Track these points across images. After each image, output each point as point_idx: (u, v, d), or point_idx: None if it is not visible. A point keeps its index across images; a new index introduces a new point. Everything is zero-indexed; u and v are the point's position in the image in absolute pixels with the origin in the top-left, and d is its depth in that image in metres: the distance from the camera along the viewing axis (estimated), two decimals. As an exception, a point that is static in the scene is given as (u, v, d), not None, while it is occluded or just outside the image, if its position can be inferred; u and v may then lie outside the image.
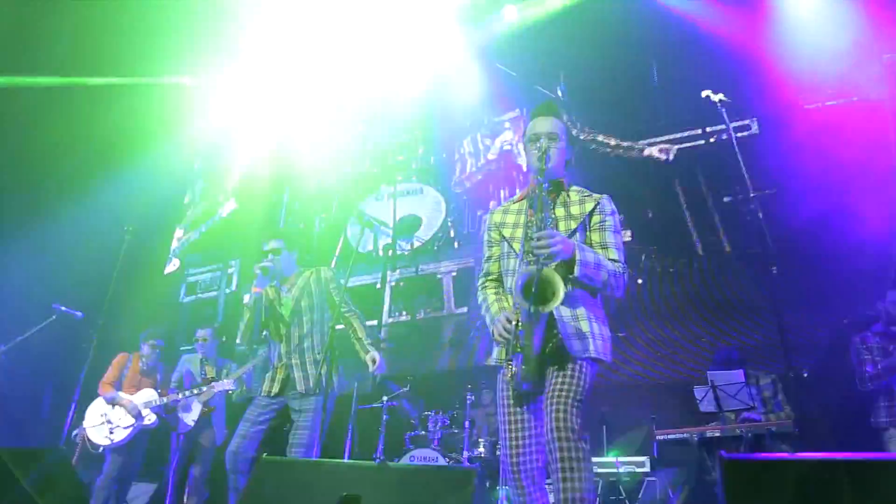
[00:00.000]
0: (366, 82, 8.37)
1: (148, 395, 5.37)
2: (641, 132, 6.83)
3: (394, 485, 1.93)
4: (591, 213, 2.68)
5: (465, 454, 5.41)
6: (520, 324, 2.46)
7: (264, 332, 3.89)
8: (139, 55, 7.99)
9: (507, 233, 2.77)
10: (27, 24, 7.25)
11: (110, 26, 7.44)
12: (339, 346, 3.68)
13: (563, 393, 2.45)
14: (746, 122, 6.32)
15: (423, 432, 5.76)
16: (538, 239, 2.44)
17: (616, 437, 5.37)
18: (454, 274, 7.34)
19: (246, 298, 8.27)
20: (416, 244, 7.69)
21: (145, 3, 7.45)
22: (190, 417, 5.34)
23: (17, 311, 6.27)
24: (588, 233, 2.68)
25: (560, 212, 2.70)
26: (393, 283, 7.61)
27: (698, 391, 4.56)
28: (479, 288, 2.87)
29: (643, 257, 6.35)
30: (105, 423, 5.22)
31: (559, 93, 7.42)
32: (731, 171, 6.02)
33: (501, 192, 7.41)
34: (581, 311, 2.57)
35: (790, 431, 4.36)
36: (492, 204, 7.31)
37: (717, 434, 4.47)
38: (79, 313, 5.37)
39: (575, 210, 2.69)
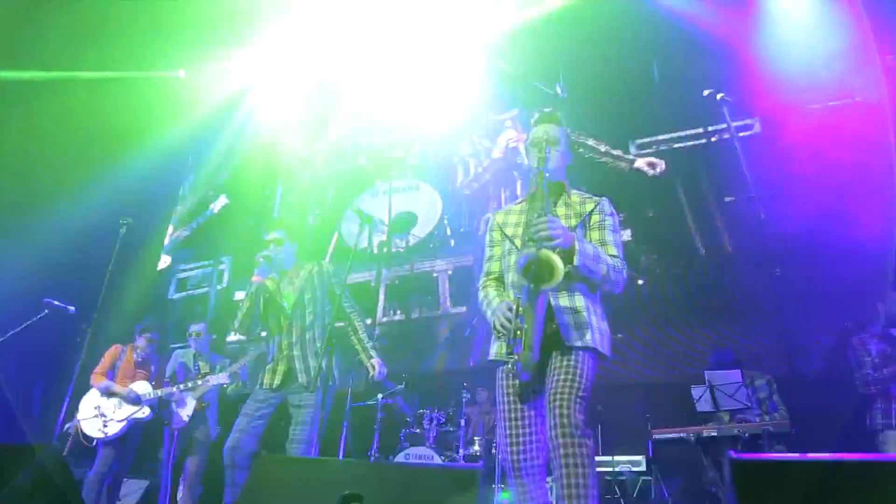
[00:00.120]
0: (362, 77, 8.33)
1: (142, 387, 5.30)
2: (641, 130, 6.79)
3: (396, 484, 1.89)
4: (590, 213, 2.73)
5: (461, 452, 5.40)
6: (520, 308, 2.46)
7: (261, 329, 3.85)
8: (133, 49, 7.94)
9: (509, 231, 2.80)
10: (20, 19, 7.18)
11: (102, 19, 7.39)
12: (338, 340, 3.65)
13: (566, 388, 2.45)
14: (749, 121, 6.28)
15: (419, 430, 5.74)
16: (538, 223, 2.46)
17: (611, 435, 5.36)
18: (450, 273, 7.26)
19: (238, 295, 8.25)
20: (412, 242, 7.62)
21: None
22: (185, 413, 5.29)
23: (8, 306, 6.20)
24: (588, 231, 2.71)
25: (561, 211, 2.75)
26: (388, 282, 7.54)
27: (695, 391, 4.56)
28: (481, 287, 2.87)
29: (643, 257, 6.31)
30: (98, 415, 5.15)
31: (558, 90, 7.38)
32: (733, 170, 6.03)
33: (502, 191, 7.35)
34: (580, 303, 2.59)
35: (786, 432, 4.36)
36: (492, 205, 7.26)
37: (714, 434, 4.47)
38: (71, 308, 5.31)
39: (575, 210, 2.75)
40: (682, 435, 4.61)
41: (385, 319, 7.36)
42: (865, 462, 1.55)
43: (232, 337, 8.06)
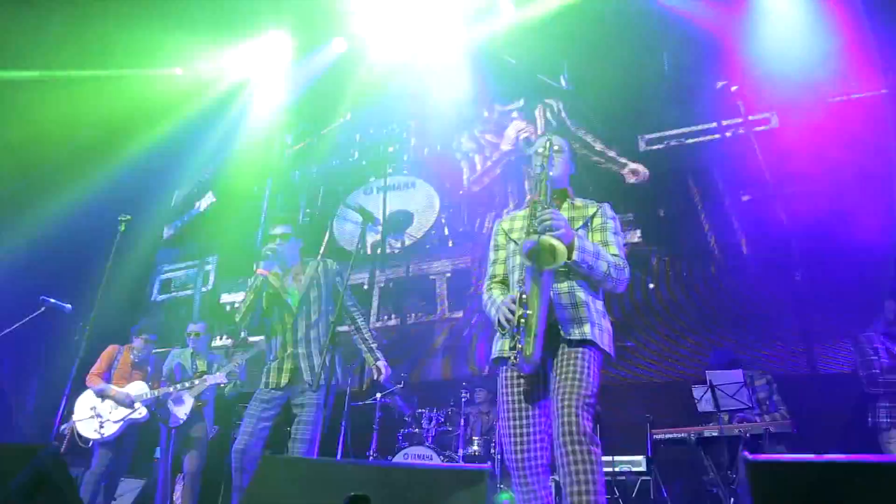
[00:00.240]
0: (355, 69, 8.16)
1: (138, 388, 5.27)
2: (651, 125, 6.54)
3: (403, 485, 1.87)
4: (592, 216, 2.78)
5: (461, 452, 5.37)
6: (523, 297, 2.47)
7: (261, 325, 3.79)
8: (130, 46, 7.90)
9: (514, 236, 2.85)
10: (15, 17, 7.14)
11: (99, 16, 7.35)
12: (339, 340, 3.60)
13: (573, 391, 2.43)
14: (765, 115, 5.99)
15: (417, 430, 5.71)
16: (542, 214, 2.53)
17: (610, 436, 5.35)
18: (448, 275, 7.00)
19: (224, 297, 8.09)
20: (407, 242, 7.39)
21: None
22: (182, 411, 5.25)
23: (3, 303, 6.14)
24: (590, 234, 2.75)
25: (565, 214, 2.76)
26: (382, 284, 7.31)
27: (697, 390, 4.54)
28: (485, 290, 2.89)
29: (653, 259, 6.10)
30: (94, 416, 5.13)
31: (562, 82, 7.17)
32: (750, 167, 5.78)
33: (508, 187, 7.14)
34: (580, 299, 2.60)
35: (787, 432, 4.35)
36: (497, 201, 7.11)
37: (715, 434, 4.45)
38: (68, 306, 5.26)
39: (578, 213, 2.80)
40: (682, 435, 4.59)
41: (379, 324, 7.09)
42: (882, 464, 1.54)
43: (218, 341, 7.79)
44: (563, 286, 2.61)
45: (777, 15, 6.16)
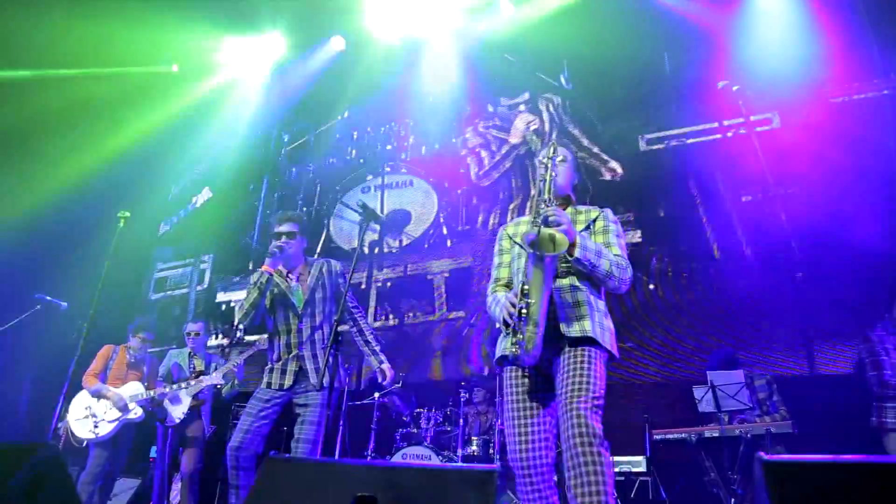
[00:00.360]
0: (355, 67, 8.12)
1: (134, 388, 5.23)
2: (651, 124, 6.52)
3: (410, 486, 1.84)
4: (595, 220, 2.82)
5: (460, 452, 5.35)
6: (525, 287, 2.47)
7: (261, 322, 3.73)
8: (125, 44, 7.87)
9: (519, 240, 2.85)
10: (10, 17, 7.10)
11: (94, 15, 7.31)
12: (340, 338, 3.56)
13: (581, 392, 2.43)
14: (767, 115, 5.98)
15: (416, 430, 5.68)
16: (546, 210, 2.56)
17: (608, 436, 5.32)
18: (447, 275, 6.95)
19: (221, 296, 8.02)
20: (406, 241, 7.33)
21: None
22: (179, 410, 5.19)
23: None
24: (593, 236, 2.78)
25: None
26: (379, 284, 7.25)
27: (697, 391, 4.53)
28: (489, 293, 2.89)
29: (654, 260, 6.08)
30: (89, 416, 5.09)
31: (562, 81, 7.15)
32: (751, 168, 5.74)
33: (513, 182, 7.09)
34: (582, 297, 2.62)
35: (788, 432, 4.34)
36: (502, 195, 7.09)
37: (716, 434, 4.44)
38: (63, 303, 5.21)
39: (581, 217, 2.84)
40: (683, 435, 4.58)
41: (377, 324, 7.03)
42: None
43: (213, 340, 7.69)
44: (566, 286, 2.63)
45: (778, 15, 6.16)
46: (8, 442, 2.36)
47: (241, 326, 3.57)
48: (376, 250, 7.37)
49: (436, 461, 5.19)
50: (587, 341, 2.55)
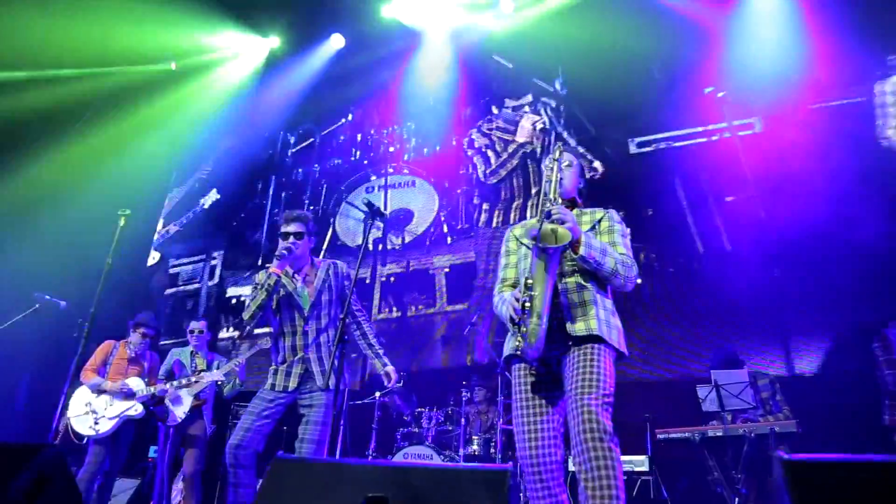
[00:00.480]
0: (358, 67, 8.31)
1: (134, 383, 5.17)
2: (642, 129, 6.76)
3: (421, 486, 1.81)
4: (600, 220, 2.84)
5: (461, 452, 5.33)
6: (529, 280, 2.48)
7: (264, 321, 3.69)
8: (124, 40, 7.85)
9: (525, 241, 2.87)
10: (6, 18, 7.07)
11: (91, 13, 7.30)
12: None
13: (591, 390, 2.43)
14: (750, 120, 6.21)
15: (417, 429, 5.66)
16: (552, 207, 2.58)
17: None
18: (447, 270, 7.17)
19: (231, 290, 8.17)
20: (408, 238, 7.56)
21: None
22: (181, 410, 5.15)
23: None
24: (598, 236, 2.80)
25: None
26: (383, 279, 7.47)
27: (701, 390, 4.52)
28: (496, 293, 2.90)
29: (642, 256, 6.24)
30: (90, 412, 5.02)
31: (557, 86, 7.35)
32: (734, 170, 6.04)
33: (515, 180, 7.23)
34: (587, 296, 2.62)
35: (792, 432, 4.33)
36: (505, 195, 7.22)
37: (720, 434, 4.43)
38: (63, 302, 5.16)
39: (586, 218, 2.86)
40: (686, 435, 4.57)
41: (381, 316, 7.27)
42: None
43: (224, 333, 7.99)
44: (572, 285, 2.64)
45: (761, 26, 6.39)
46: (11, 442, 2.33)
47: (249, 325, 3.52)
48: (380, 247, 7.60)
49: (437, 461, 5.17)
50: (594, 339, 2.55)
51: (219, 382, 5.20)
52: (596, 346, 2.54)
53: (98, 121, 8.01)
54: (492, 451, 5.43)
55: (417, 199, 7.77)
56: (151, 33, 8.04)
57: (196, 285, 8.64)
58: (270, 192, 8.78)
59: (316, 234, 3.83)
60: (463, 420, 5.49)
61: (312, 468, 2.03)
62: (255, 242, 8.52)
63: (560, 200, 2.72)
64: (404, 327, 7.15)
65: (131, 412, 5.09)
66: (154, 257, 9.18)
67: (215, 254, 8.71)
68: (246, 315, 3.49)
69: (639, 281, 6.07)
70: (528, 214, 6.87)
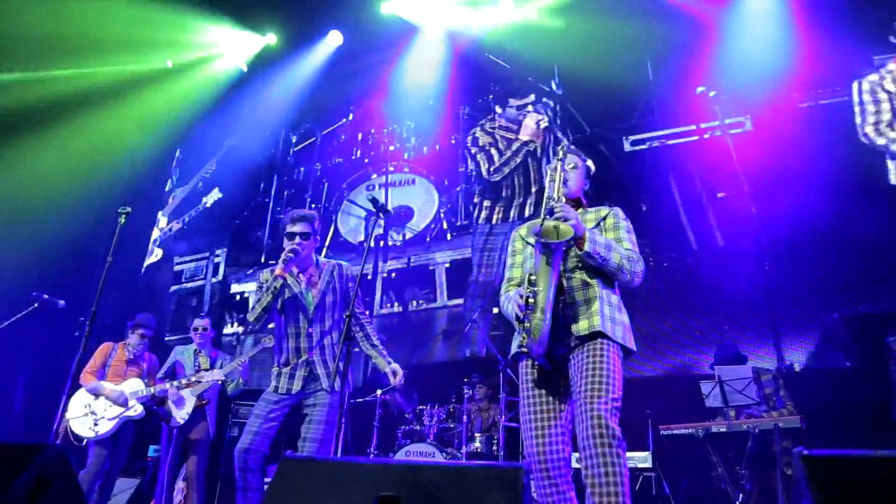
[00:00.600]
0: (358, 67, 8.38)
1: (134, 385, 5.13)
2: (635, 127, 6.87)
3: (433, 484, 1.78)
4: (605, 217, 2.85)
5: (464, 449, 5.31)
6: (531, 277, 2.49)
7: (271, 322, 3.65)
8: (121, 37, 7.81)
9: (530, 240, 2.84)
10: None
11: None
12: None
13: (599, 392, 2.41)
14: (741, 119, 6.33)
15: (418, 427, 5.64)
16: (555, 205, 2.58)
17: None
18: (447, 265, 7.28)
19: (235, 287, 8.20)
20: (409, 235, 7.64)
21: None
22: (184, 411, 5.11)
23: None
24: (603, 233, 2.79)
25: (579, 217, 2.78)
26: (384, 274, 7.56)
27: (705, 386, 4.51)
28: (503, 293, 2.91)
29: None
30: (89, 414, 4.97)
31: (553, 86, 7.44)
32: (725, 167, 6.17)
33: (517, 179, 7.29)
34: (592, 293, 2.62)
35: (796, 427, 4.31)
36: (505, 193, 7.28)
37: (724, 430, 4.41)
38: (61, 302, 5.12)
39: (591, 216, 2.87)
40: (690, 431, 4.55)
41: (383, 311, 7.41)
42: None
43: (228, 329, 8.08)
44: (577, 283, 2.64)
45: (751, 26, 6.52)
46: (13, 443, 2.30)
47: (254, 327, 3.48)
48: (382, 244, 7.70)
49: (440, 458, 5.15)
50: (598, 335, 2.54)
51: (220, 381, 5.16)
52: (601, 343, 2.52)
53: (95, 118, 7.96)
54: (494, 448, 5.41)
55: (418, 196, 7.86)
56: (147, 30, 8.00)
57: (200, 282, 8.73)
58: (272, 191, 8.83)
59: (320, 233, 3.78)
60: (465, 417, 5.48)
61: (321, 467, 2.00)
62: (258, 240, 8.60)
63: (564, 200, 2.71)
64: (405, 322, 7.26)
65: (131, 413, 5.05)
66: (157, 254, 9.19)
67: (218, 251, 8.78)
68: (251, 317, 3.44)
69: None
70: (527, 212, 6.92)
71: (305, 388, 3.44)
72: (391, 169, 8.16)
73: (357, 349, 3.63)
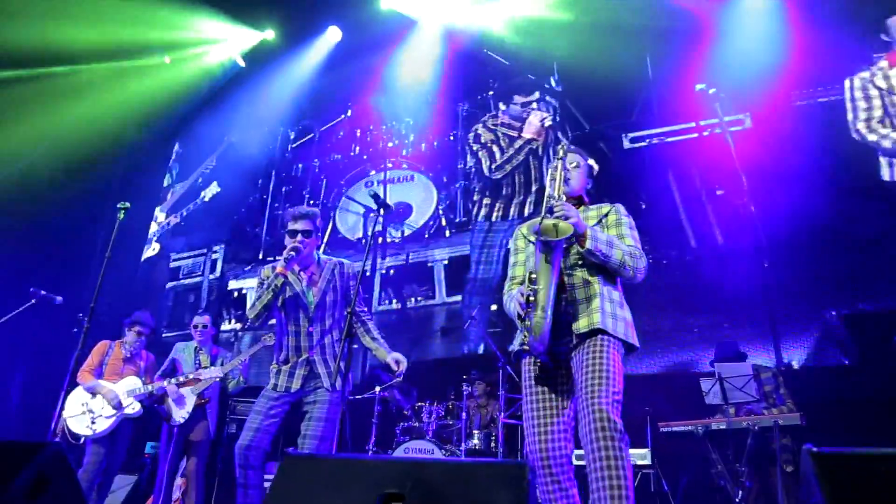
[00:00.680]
0: (356, 64, 8.36)
1: (131, 383, 5.10)
2: (634, 124, 6.86)
3: (438, 482, 1.77)
4: (606, 214, 2.85)
5: (462, 446, 5.30)
6: (532, 275, 2.50)
7: (272, 320, 3.62)
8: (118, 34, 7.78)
9: (532, 238, 2.82)
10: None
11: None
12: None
13: (601, 387, 2.42)
14: (739, 116, 6.34)
15: (417, 423, 5.63)
16: (555, 203, 2.58)
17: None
18: (446, 262, 7.27)
19: (232, 283, 8.18)
20: (407, 232, 7.64)
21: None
22: (184, 410, 5.07)
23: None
24: (605, 230, 2.80)
25: (580, 214, 2.78)
26: (383, 271, 7.56)
27: (705, 383, 4.50)
28: (506, 291, 2.90)
29: None
30: (86, 412, 4.95)
31: (552, 82, 7.43)
32: (725, 164, 6.18)
33: (517, 177, 7.28)
34: (594, 290, 2.62)
35: (796, 424, 4.31)
36: (506, 191, 7.28)
37: (724, 427, 4.41)
38: (58, 298, 5.09)
39: (592, 213, 2.87)
40: (690, 428, 4.55)
41: (382, 308, 7.41)
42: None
43: (226, 325, 8.07)
44: (578, 281, 2.64)
45: (750, 24, 6.54)
46: (12, 441, 2.27)
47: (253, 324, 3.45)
48: (380, 240, 7.72)
49: (439, 455, 5.15)
50: (598, 332, 2.54)
51: (219, 378, 5.13)
52: (601, 339, 2.53)
53: (91, 112, 7.93)
54: (492, 445, 5.41)
55: (416, 193, 7.86)
56: (144, 26, 7.97)
57: (198, 279, 8.69)
58: (271, 187, 8.82)
59: (322, 230, 3.75)
60: (464, 414, 5.47)
61: (324, 465, 1.98)
62: (256, 236, 8.59)
63: (564, 198, 2.71)
64: (404, 319, 7.25)
65: (129, 411, 5.03)
66: (154, 249, 9.15)
67: (216, 247, 8.76)
68: (251, 314, 3.41)
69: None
70: (527, 211, 6.91)
71: (305, 386, 3.42)
72: (390, 165, 8.16)
73: (356, 346, 3.61)
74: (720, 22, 6.59)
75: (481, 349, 6.55)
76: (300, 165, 8.85)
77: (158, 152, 9.43)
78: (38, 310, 5.16)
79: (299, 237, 3.49)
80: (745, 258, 5.82)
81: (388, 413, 6.00)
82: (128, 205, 3.50)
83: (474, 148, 7.70)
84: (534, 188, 7.04)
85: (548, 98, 7.48)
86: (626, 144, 6.84)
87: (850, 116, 5.76)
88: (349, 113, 8.75)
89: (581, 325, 2.56)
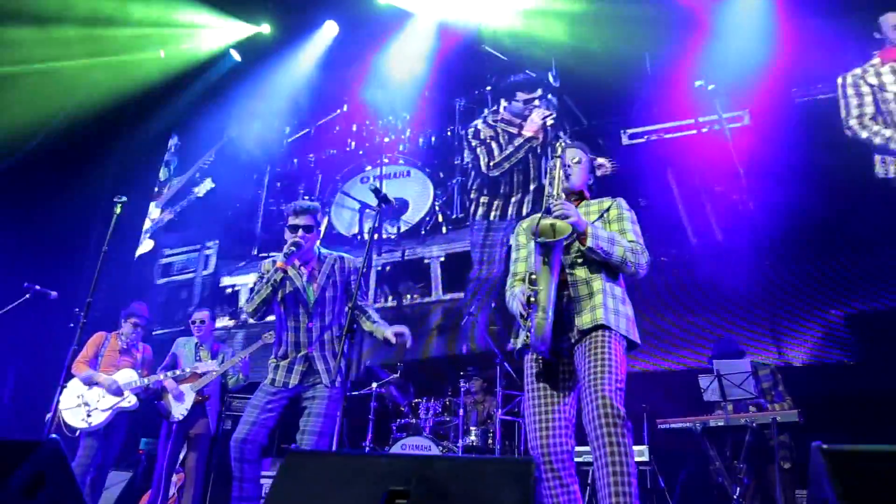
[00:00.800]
0: (353, 61, 8.32)
1: (127, 375, 5.05)
2: (633, 120, 6.85)
3: (443, 478, 1.75)
4: (608, 209, 2.85)
5: (460, 443, 5.29)
6: (532, 276, 2.50)
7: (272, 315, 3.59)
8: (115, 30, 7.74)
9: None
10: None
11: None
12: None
13: (604, 376, 2.42)
14: (738, 113, 6.34)
15: (414, 420, 5.62)
16: (554, 202, 2.57)
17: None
18: (442, 259, 7.23)
19: (225, 280, 8.14)
20: (403, 228, 7.60)
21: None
22: (183, 407, 5.04)
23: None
24: (607, 225, 2.80)
25: (581, 210, 2.80)
26: (378, 268, 7.51)
27: (703, 380, 4.50)
28: (508, 288, 2.89)
29: None
30: (82, 405, 4.89)
31: (550, 78, 7.42)
32: (724, 161, 6.20)
33: (516, 175, 7.26)
34: (595, 286, 2.62)
35: (794, 421, 4.31)
36: (504, 189, 7.26)
37: (721, 423, 4.41)
38: (53, 293, 5.04)
39: (594, 208, 2.87)
40: (688, 425, 4.54)
41: (376, 305, 7.32)
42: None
43: (219, 322, 7.92)
44: (580, 278, 2.64)
45: (749, 21, 6.54)
46: (9, 438, 2.24)
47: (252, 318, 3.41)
48: (376, 236, 7.57)
49: (436, 451, 5.14)
50: (601, 328, 2.54)
51: (215, 372, 5.09)
52: (603, 333, 2.53)
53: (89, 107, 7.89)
54: (490, 441, 5.40)
55: (412, 188, 7.81)
56: (139, 20, 7.91)
57: (190, 275, 8.60)
58: (266, 182, 8.76)
59: (319, 227, 3.72)
60: (461, 411, 5.46)
61: (328, 461, 1.96)
62: (250, 232, 8.52)
63: (563, 196, 2.70)
64: (400, 316, 7.17)
65: (125, 404, 4.97)
66: (148, 245, 9.08)
67: (210, 243, 8.67)
68: (249, 308, 3.37)
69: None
70: (525, 210, 6.90)
71: (303, 381, 3.40)
72: (386, 161, 8.11)
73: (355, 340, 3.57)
74: (719, 18, 6.59)
75: (479, 347, 6.52)
76: (295, 161, 8.80)
77: (154, 146, 9.36)
78: (33, 305, 5.11)
79: (300, 232, 3.45)
80: (745, 256, 5.82)
81: (385, 409, 5.97)
82: (125, 199, 3.47)
83: (473, 144, 7.66)
84: (532, 187, 7.01)
85: (549, 96, 7.46)
86: (625, 140, 6.83)
87: (842, 113, 5.81)
88: (345, 108, 8.70)
89: (584, 321, 2.56)
